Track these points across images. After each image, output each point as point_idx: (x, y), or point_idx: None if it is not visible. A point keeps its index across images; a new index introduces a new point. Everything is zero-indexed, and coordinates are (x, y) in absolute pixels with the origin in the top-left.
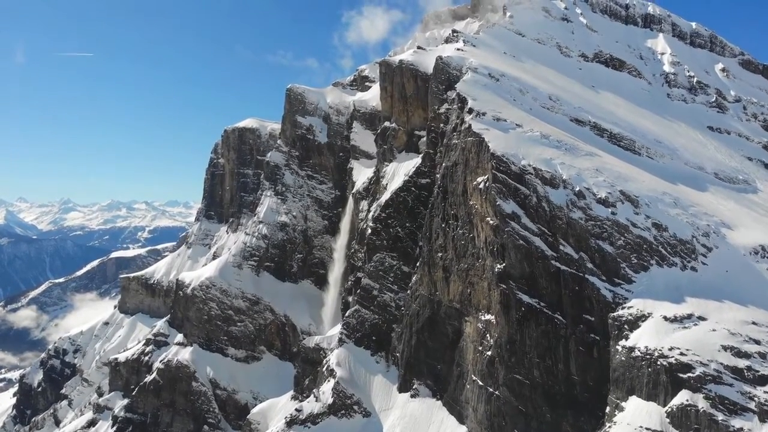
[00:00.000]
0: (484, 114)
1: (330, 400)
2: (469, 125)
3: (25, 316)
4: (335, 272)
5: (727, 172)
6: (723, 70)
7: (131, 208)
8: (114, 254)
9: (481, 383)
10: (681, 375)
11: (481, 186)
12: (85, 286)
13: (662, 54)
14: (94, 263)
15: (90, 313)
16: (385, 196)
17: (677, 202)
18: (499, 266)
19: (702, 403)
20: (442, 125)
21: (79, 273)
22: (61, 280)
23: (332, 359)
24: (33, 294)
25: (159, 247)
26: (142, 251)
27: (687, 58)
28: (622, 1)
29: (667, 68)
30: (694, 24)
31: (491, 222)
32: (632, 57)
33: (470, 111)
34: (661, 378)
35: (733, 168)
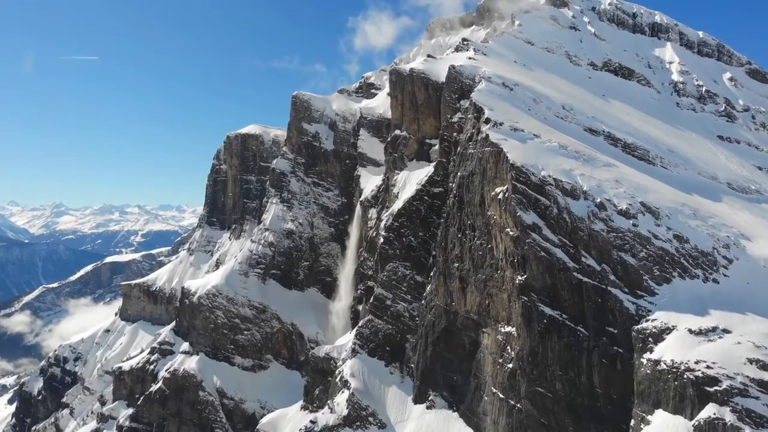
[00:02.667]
0: (501, 124)
1: (345, 412)
2: (487, 135)
3: (18, 322)
4: (344, 281)
5: (740, 181)
6: (731, 79)
7: (124, 212)
8: (108, 259)
9: (502, 396)
10: (708, 388)
11: (500, 196)
12: (79, 291)
13: (670, 63)
14: (88, 268)
15: (84, 318)
16: (397, 205)
17: (696, 213)
18: (520, 278)
19: (729, 417)
20: (455, 134)
21: (73, 278)
22: (55, 285)
23: (346, 370)
24: (26, 299)
25: (154, 251)
26: (137, 256)
27: (695, 67)
28: (629, 9)
29: (675, 77)
30: (701, 33)
31: (511, 233)
32: (641, 66)
33: (487, 121)
34: (688, 391)
35: (745, 178)
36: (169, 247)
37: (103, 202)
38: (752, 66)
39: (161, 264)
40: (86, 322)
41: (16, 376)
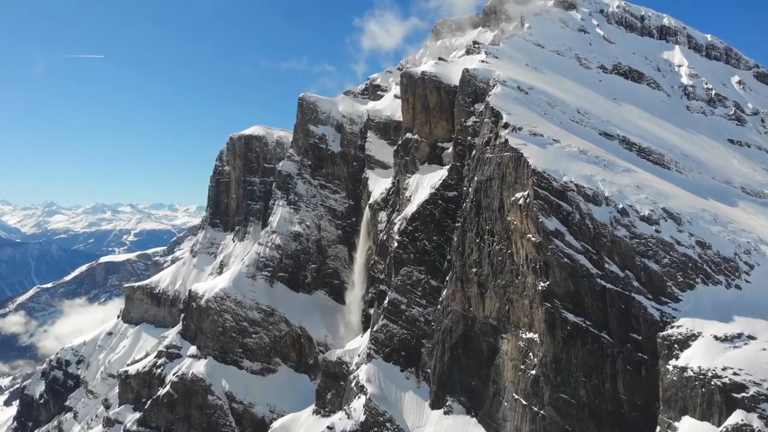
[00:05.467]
0: (520, 129)
1: (362, 418)
2: (506, 140)
3: (13, 322)
4: (354, 284)
5: (753, 186)
6: (739, 82)
7: (116, 211)
8: (103, 259)
9: (524, 402)
10: (735, 395)
11: (521, 202)
12: (74, 292)
13: (679, 66)
14: (83, 268)
15: (80, 319)
16: (411, 209)
17: (716, 218)
18: (542, 284)
19: (756, 423)
20: (469, 138)
21: (68, 278)
22: (49, 285)
23: (361, 375)
24: (21, 299)
25: (149, 251)
26: (132, 256)
27: (704, 71)
28: (637, 12)
29: (685, 80)
30: (709, 36)
31: (533, 239)
32: (650, 69)
33: (506, 125)
34: (715, 398)
35: (758, 182)
36: (165, 247)
37: (95, 201)
38: (760, 69)
39: (157, 264)
40: (81, 322)
41: (11, 377)
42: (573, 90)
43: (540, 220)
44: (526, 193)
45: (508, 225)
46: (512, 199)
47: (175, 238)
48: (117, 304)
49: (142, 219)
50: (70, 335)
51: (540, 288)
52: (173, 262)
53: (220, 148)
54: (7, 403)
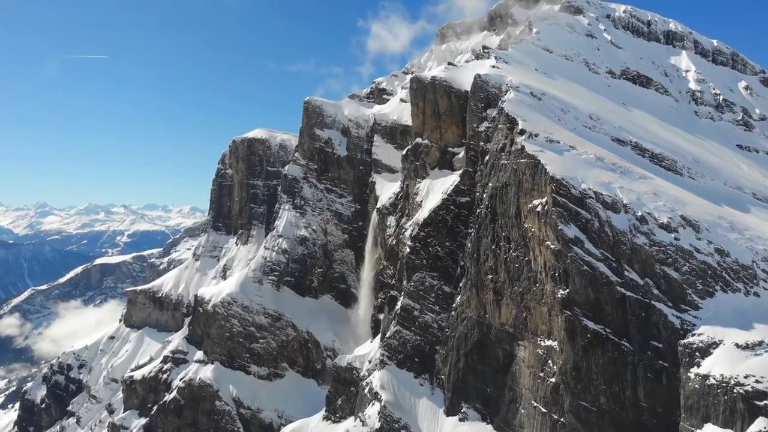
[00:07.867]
0: (536, 135)
1: (377, 425)
2: (522, 146)
3: (8, 324)
4: (363, 289)
5: (764, 191)
6: (746, 87)
7: (109, 211)
8: (98, 260)
9: (544, 410)
10: (757, 402)
11: (539, 209)
12: (69, 294)
13: (686, 71)
14: (78, 270)
15: (75, 321)
16: (423, 214)
17: (733, 226)
18: (562, 292)
19: None
20: (482, 143)
21: (62, 280)
22: (44, 287)
23: (375, 382)
24: (15, 301)
25: (145, 253)
26: (128, 257)
27: (711, 76)
28: (644, 17)
29: (692, 86)
30: (715, 41)
31: (552, 246)
32: (657, 74)
33: (522, 132)
34: (738, 406)
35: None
36: (160, 249)
37: (88, 202)
38: (766, 75)
39: (153, 266)
40: (77, 325)
41: (7, 380)
42: (583, 95)
43: (559, 227)
44: (544, 200)
45: (525, 232)
46: (529, 206)
47: (170, 240)
48: (113, 306)
49: (136, 220)
50: (65, 337)
51: (559, 296)
52: (170, 263)
53: (221, 150)
54: (3, 406)
